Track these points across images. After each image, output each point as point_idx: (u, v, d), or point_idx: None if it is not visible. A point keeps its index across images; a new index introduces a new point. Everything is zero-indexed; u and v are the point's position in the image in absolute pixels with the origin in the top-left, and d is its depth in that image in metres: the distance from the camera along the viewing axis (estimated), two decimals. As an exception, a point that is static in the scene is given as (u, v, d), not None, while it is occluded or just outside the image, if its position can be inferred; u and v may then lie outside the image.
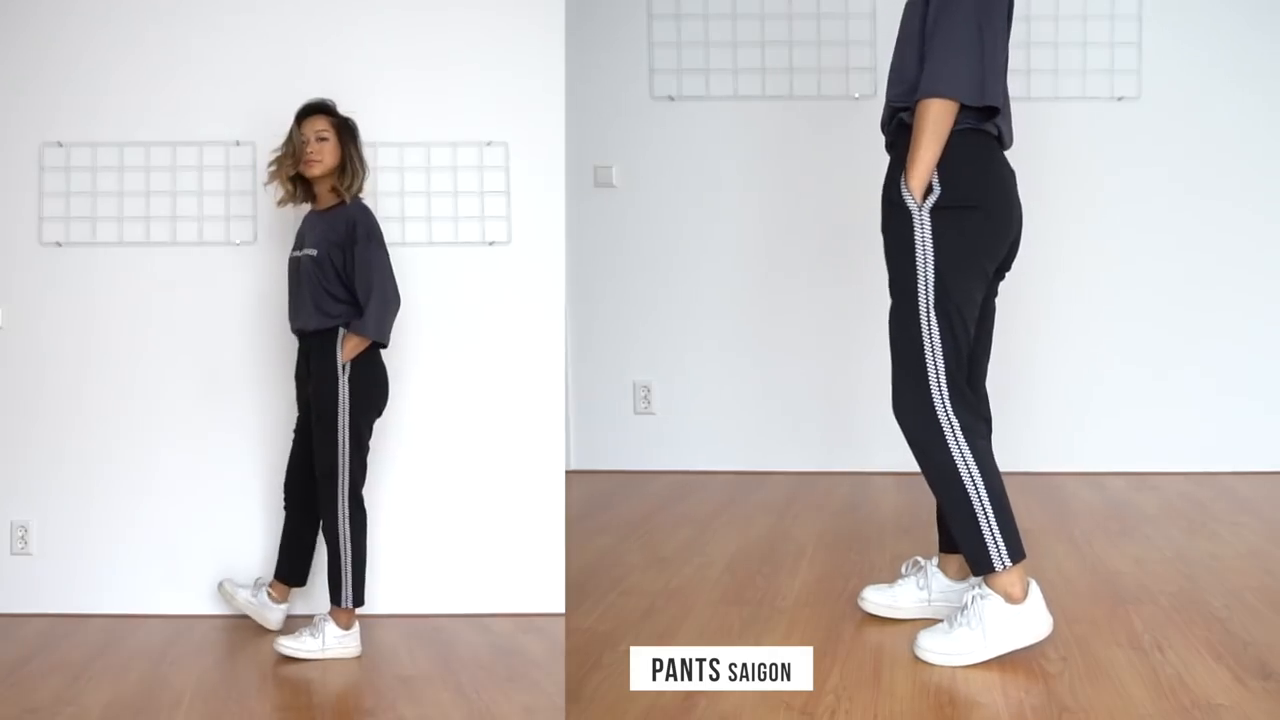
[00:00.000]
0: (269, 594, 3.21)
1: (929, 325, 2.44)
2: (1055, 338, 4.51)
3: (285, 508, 3.20)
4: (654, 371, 4.68)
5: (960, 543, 2.47)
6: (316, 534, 3.18)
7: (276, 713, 2.61)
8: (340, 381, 3.02)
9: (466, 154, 3.45)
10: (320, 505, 3.05)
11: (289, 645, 2.95)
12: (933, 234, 2.41)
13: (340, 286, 3.04)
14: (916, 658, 2.45)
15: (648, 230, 4.64)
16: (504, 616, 3.37)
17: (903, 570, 2.78)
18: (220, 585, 3.27)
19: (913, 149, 2.39)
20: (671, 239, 4.63)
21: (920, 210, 2.41)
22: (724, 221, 4.61)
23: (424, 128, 3.44)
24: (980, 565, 2.44)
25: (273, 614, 3.20)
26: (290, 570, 3.21)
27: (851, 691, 2.28)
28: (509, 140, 3.45)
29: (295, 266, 3.10)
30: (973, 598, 2.44)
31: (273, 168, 3.09)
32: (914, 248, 2.43)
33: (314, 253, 3.04)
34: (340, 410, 3.01)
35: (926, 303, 2.44)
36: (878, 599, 2.73)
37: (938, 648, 2.43)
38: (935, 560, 2.75)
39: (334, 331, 3.04)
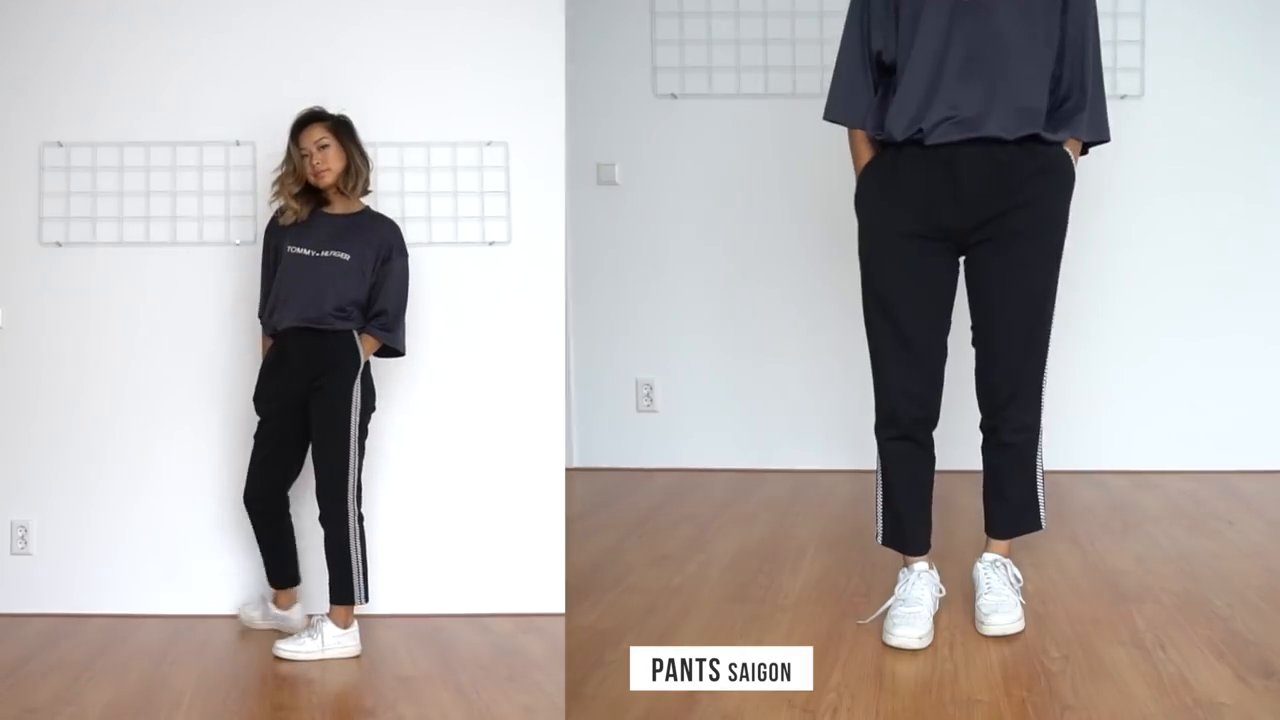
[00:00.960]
0: (275, 606, 3.20)
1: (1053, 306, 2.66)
2: (1055, 337, 4.48)
3: (260, 518, 3.12)
4: (656, 369, 4.67)
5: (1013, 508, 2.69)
6: (294, 533, 3.18)
7: (276, 713, 2.61)
8: (356, 383, 3.03)
9: (466, 154, 3.45)
10: (325, 506, 3.02)
11: (288, 649, 2.94)
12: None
13: (362, 293, 3.07)
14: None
15: (650, 228, 4.63)
16: (504, 616, 3.36)
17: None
18: (239, 614, 3.28)
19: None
20: (674, 237, 4.62)
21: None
22: (727, 219, 4.60)
23: (424, 128, 3.44)
24: (1029, 522, 2.70)
25: (294, 618, 3.19)
26: (285, 576, 3.19)
27: (853, 689, 2.28)
28: (509, 140, 3.45)
29: (310, 265, 3.05)
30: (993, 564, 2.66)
31: (276, 187, 3.09)
32: (1067, 222, 2.59)
33: (345, 257, 3.05)
34: (353, 410, 3.03)
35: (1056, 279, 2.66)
36: (909, 633, 2.50)
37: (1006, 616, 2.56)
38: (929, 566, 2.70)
39: (350, 334, 3.05)
